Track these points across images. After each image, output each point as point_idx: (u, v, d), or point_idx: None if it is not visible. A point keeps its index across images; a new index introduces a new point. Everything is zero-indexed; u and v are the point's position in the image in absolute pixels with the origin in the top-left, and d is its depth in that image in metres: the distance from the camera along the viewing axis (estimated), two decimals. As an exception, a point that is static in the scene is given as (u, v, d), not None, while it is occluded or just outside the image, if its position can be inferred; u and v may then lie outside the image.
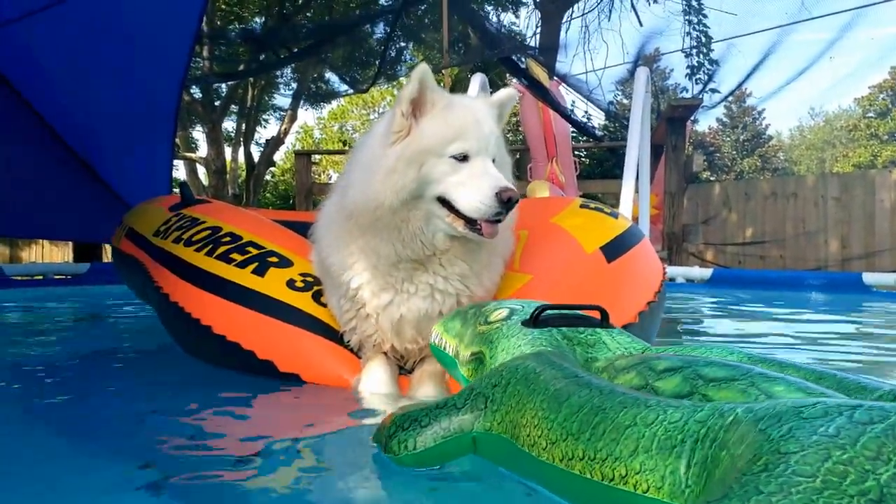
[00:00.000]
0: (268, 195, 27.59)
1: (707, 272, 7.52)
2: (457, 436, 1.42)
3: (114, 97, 6.81)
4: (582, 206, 3.18)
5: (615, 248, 2.86)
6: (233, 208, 3.73)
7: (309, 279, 2.71)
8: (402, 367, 2.45)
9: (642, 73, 6.98)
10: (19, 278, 7.29)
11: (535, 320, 1.62)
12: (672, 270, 7.50)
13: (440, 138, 2.12)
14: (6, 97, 6.81)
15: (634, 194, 6.53)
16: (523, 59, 10.46)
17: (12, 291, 6.60)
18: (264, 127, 27.22)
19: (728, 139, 38.91)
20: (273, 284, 2.70)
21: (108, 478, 1.57)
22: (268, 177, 27.14)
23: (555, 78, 10.16)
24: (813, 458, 0.80)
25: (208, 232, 3.14)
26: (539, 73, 10.00)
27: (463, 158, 2.13)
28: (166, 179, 7.94)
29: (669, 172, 8.49)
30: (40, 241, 18.99)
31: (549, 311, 1.66)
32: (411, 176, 2.12)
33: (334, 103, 34.44)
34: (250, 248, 2.91)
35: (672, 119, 8.43)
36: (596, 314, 1.71)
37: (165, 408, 2.30)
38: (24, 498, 1.45)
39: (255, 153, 22.95)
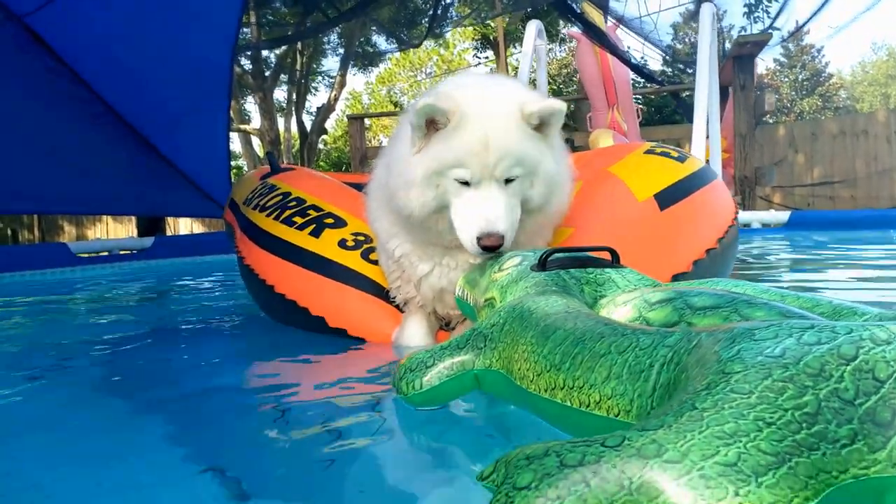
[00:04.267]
0: (321, 163, 27.68)
1: (784, 215, 7.20)
2: (460, 373, 1.48)
3: (167, 69, 6.74)
4: (647, 152, 3.07)
5: (672, 195, 2.77)
6: (309, 174, 3.76)
7: (360, 238, 2.82)
8: (445, 326, 2.51)
9: (707, 10, 6.63)
10: (86, 255, 7.33)
11: (543, 264, 1.67)
12: (746, 215, 7.21)
13: (442, 163, 2.02)
14: (64, 77, 6.81)
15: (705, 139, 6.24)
16: (577, 3, 10.10)
17: (80, 269, 6.66)
18: (314, 94, 27.21)
19: (787, 79, 37.59)
20: (326, 244, 2.83)
21: (172, 465, 1.49)
22: (320, 145, 27.17)
23: (612, 21, 9.77)
24: (753, 376, 0.82)
25: (279, 198, 3.29)
26: (595, 16, 9.65)
27: (465, 183, 2.03)
28: (224, 150, 7.86)
29: (739, 113, 8.11)
30: (104, 218, 19.35)
31: (557, 255, 1.71)
32: (430, 195, 2.07)
33: (381, 66, 34.17)
34: (311, 211, 3.07)
35: (740, 57, 8.02)
36: (606, 255, 1.76)
37: (231, 386, 2.24)
38: (79, 478, 1.42)
39: (307, 122, 22.92)
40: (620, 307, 1.45)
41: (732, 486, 0.72)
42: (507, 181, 2.04)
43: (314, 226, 2.95)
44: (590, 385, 1.11)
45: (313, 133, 22.29)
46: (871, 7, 9.21)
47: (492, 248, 1.95)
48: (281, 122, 22.95)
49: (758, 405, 0.78)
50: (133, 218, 12.67)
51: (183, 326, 3.54)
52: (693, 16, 8.85)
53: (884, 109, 24.51)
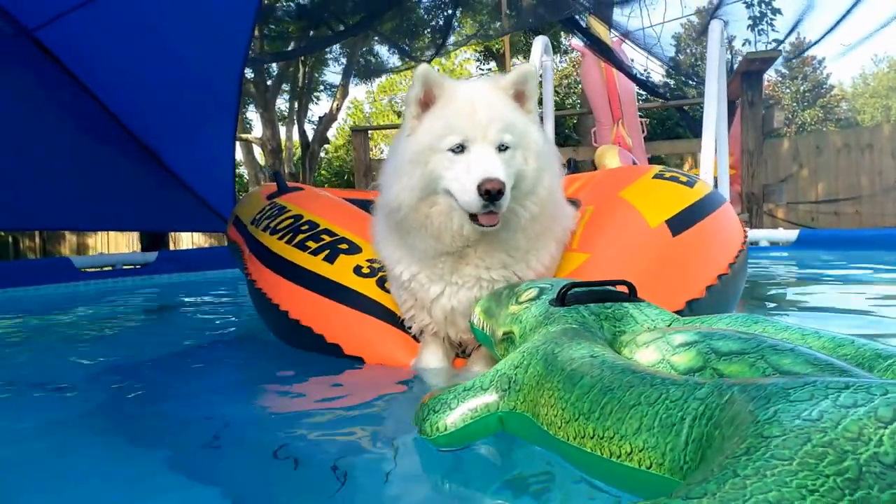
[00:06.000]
0: (323, 172, 27.62)
1: (793, 233, 7.13)
2: (484, 416, 1.49)
3: (175, 82, 6.69)
4: (656, 177, 3.08)
5: (683, 221, 2.77)
6: (318, 195, 3.74)
7: (375, 265, 2.80)
8: (461, 354, 2.53)
9: (717, 27, 6.60)
10: (90, 270, 7.25)
11: (562, 298, 1.68)
12: (754, 234, 7.15)
13: (435, 134, 2.14)
14: (72, 89, 6.75)
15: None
16: (583, 17, 10.06)
17: (83, 284, 6.58)
18: (316, 104, 27.20)
19: (788, 91, 37.56)
20: (341, 271, 2.83)
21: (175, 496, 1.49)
22: (322, 154, 27.12)
23: (617, 35, 9.74)
24: (793, 442, 0.82)
25: (291, 220, 3.29)
26: (601, 30, 9.61)
27: (461, 150, 2.11)
28: (229, 165, 7.84)
29: (747, 130, 8.06)
30: (106, 228, 19.21)
31: (575, 289, 1.71)
32: (417, 175, 2.15)
33: (384, 76, 34.15)
34: (324, 236, 3.07)
35: (748, 73, 7.98)
36: (624, 289, 1.77)
37: (234, 416, 2.17)
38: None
39: (309, 131, 22.87)
40: (642, 349, 1.44)
41: None
42: (500, 150, 2.13)
43: (328, 251, 2.95)
44: (620, 436, 1.11)
45: (315, 142, 22.24)
46: (885, 25, 9.14)
47: (493, 193, 2.00)
48: (282, 130, 22.91)
49: (799, 472, 0.78)
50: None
51: (187, 348, 3.49)
52: (699, 34, 8.79)
53: (889, 124, 24.43)
